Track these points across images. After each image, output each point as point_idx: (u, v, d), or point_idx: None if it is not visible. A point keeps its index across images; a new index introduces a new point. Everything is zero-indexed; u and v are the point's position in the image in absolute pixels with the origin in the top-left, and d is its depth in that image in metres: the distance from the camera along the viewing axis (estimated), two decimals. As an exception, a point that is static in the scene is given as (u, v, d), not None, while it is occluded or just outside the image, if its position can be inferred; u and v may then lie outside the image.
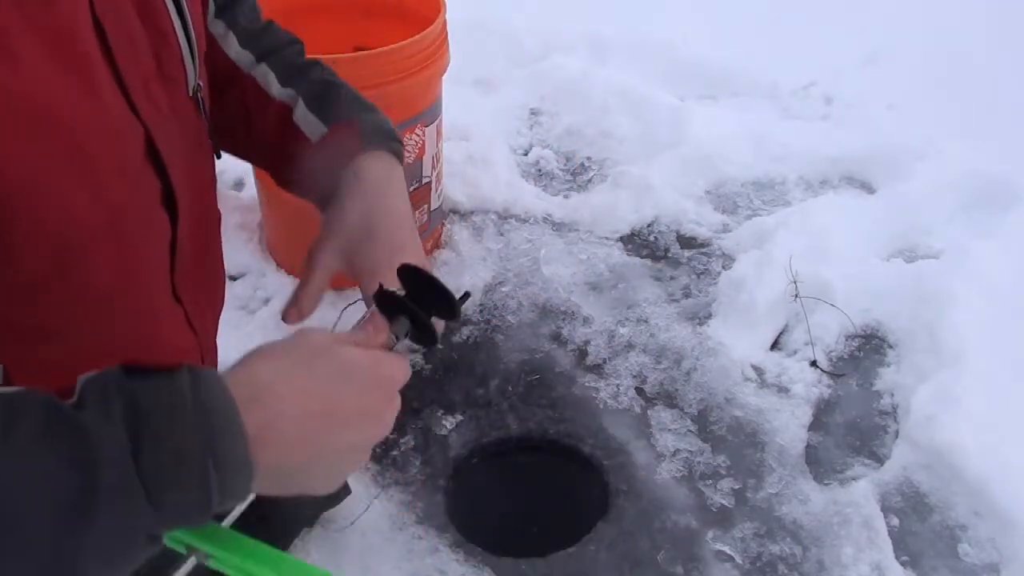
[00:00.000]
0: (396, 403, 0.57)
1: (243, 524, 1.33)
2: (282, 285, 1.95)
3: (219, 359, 0.96)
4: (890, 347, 1.87)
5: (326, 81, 0.88)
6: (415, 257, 0.75)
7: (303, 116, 0.85)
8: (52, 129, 0.57)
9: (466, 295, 0.66)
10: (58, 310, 0.66)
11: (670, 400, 1.74)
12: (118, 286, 0.70)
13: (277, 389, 0.51)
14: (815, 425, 1.72)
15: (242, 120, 0.88)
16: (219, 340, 0.95)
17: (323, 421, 0.53)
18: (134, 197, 0.67)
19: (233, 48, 0.87)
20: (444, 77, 1.81)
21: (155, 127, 0.68)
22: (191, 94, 0.75)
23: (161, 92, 0.70)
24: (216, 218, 0.93)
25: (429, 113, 1.78)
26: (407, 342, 0.63)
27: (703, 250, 2.11)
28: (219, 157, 0.88)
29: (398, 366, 0.59)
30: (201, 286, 0.86)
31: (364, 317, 0.63)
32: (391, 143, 0.83)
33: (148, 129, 0.67)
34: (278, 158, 0.87)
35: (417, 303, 0.62)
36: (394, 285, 0.64)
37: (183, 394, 0.47)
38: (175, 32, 0.70)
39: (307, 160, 0.84)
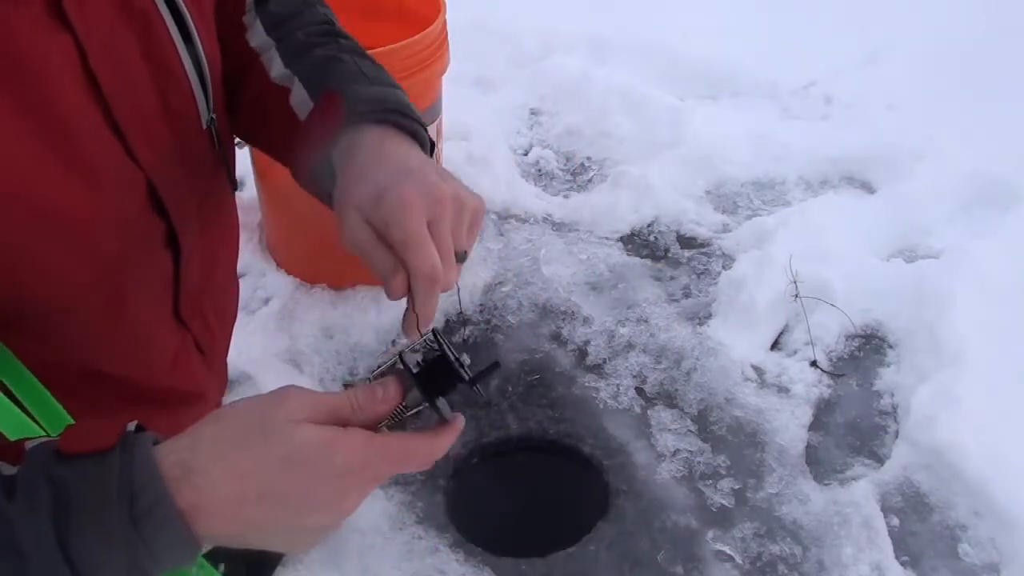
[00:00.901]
0: (353, 495, 0.52)
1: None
2: (282, 285, 1.95)
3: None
4: (890, 347, 1.87)
5: (329, 56, 0.76)
6: (427, 181, 0.61)
7: (298, 98, 0.74)
8: (24, 200, 0.55)
9: (495, 365, 0.59)
10: (45, 347, 0.65)
11: (670, 400, 1.74)
12: (110, 326, 0.68)
13: (211, 472, 0.49)
14: (815, 425, 1.72)
15: (255, 111, 0.79)
16: (220, 341, 0.95)
17: (260, 507, 0.50)
18: (131, 245, 0.66)
19: (257, 36, 0.79)
20: (444, 77, 1.81)
21: (156, 171, 0.65)
22: (205, 127, 0.72)
23: (166, 131, 0.67)
24: (231, 239, 0.90)
25: (429, 113, 1.78)
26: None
27: (703, 250, 2.11)
28: (236, 189, 0.84)
29: (366, 454, 0.51)
30: (211, 306, 0.85)
31: (382, 367, 0.60)
32: (391, 115, 0.68)
33: (148, 175, 0.65)
34: (284, 150, 0.77)
35: (439, 373, 0.56)
36: (412, 210, 0.58)
37: (109, 480, 0.47)
38: (183, 66, 0.67)
39: (297, 145, 0.74)
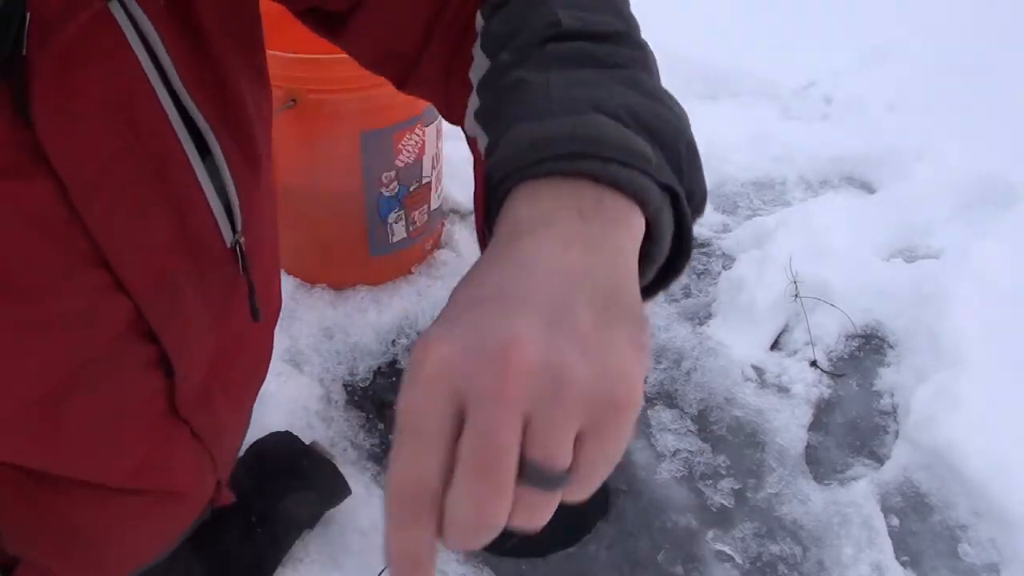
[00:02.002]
0: None
1: (244, 526, 1.32)
2: (282, 285, 1.94)
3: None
4: (890, 347, 1.87)
5: (517, 81, 0.47)
6: (556, 345, 0.33)
7: (484, 146, 0.50)
8: None
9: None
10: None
11: (670, 400, 1.74)
12: (57, 442, 0.63)
13: None
14: (815, 425, 1.72)
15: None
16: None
17: None
18: (104, 373, 0.61)
19: (476, 68, 0.54)
20: (444, 77, 1.80)
21: (148, 298, 0.59)
22: (229, 247, 0.66)
23: (172, 258, 0.60)
24: (257, 338, 0.81)
25: (429, 113, 1.78)
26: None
27: (703, 250, 2.11)
28: (256, 319, 0.76)
29: None
30: (220, 400, 0.78)
31: None
32: (551, 163, 0.39)
33: (138, 304, 0.59)
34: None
35: None
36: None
37: None
38: (203, 191, 0.60)
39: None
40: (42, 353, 0.56)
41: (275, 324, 0.82)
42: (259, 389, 0.88)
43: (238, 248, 0.67)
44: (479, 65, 0.53)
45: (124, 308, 0.59)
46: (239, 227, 0.65)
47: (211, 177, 0.61)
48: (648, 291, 0.42)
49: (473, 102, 0.52)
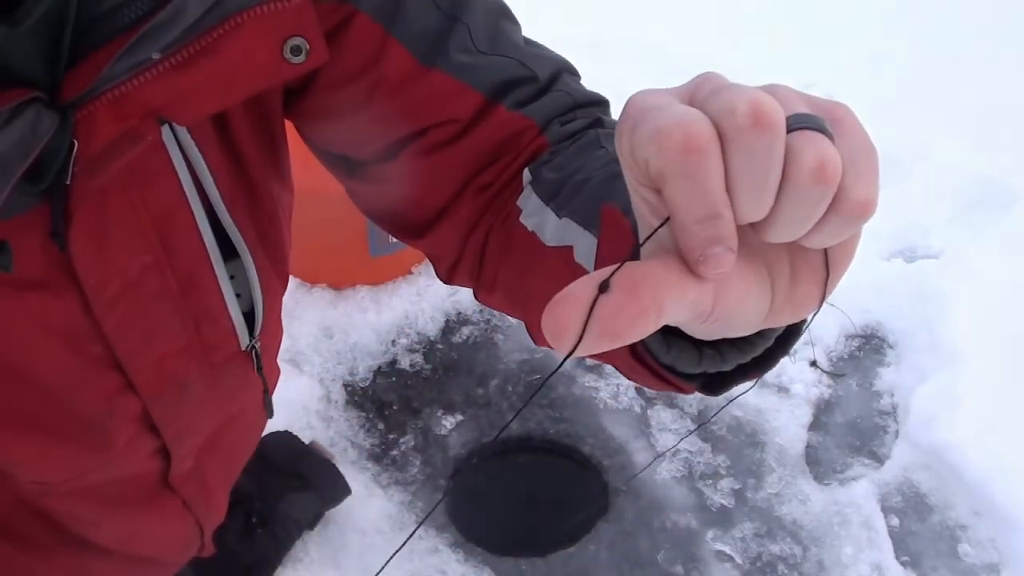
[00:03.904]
0: None
1: (245, 527, 1.32)
2: (282, 285, 1.95)
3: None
4: (890, 347, 1.87)
5: (612, 175, 0.52)
6: None
7: (584, 247, 0.51)
8: None
9: None
10: None
11: (670, 400, 1.74)
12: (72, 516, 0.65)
13: None
14: (815, 425, 1.72)
15: (521, 294, 0.59)
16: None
17: None
18: (105, 461, 0.62)
19: (531, 215, 0.58)
20: (444, 77, 1.80)
21: (156, 399, 0.60)
22: (243, 349, 0.66)
23: (187, 362, 0.61)
24: (255, 412, 0.82)
25: (429, 113, 1.78)
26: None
27: (703, 250, 2.11)
28: (271, 416, 0.78)
29: None
30: (212, 472, 0.79)
31: None
32: None
33: (145, 402, 0.60)
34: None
35: None
36: None
37: None
38: (225, 304, 0.60)
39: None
40: (56, 454, 0.57)
41: (272, 394, 0.85)
42: (250, 454, 0.89)
43: (253, 351, 0.67)
44: (533, 205, 0.56)
45: (135, 407, 0.60)
46: (257, 333, 0.66)
47: (236, 288, 0.61)
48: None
49: (549, 219, 0.54)
